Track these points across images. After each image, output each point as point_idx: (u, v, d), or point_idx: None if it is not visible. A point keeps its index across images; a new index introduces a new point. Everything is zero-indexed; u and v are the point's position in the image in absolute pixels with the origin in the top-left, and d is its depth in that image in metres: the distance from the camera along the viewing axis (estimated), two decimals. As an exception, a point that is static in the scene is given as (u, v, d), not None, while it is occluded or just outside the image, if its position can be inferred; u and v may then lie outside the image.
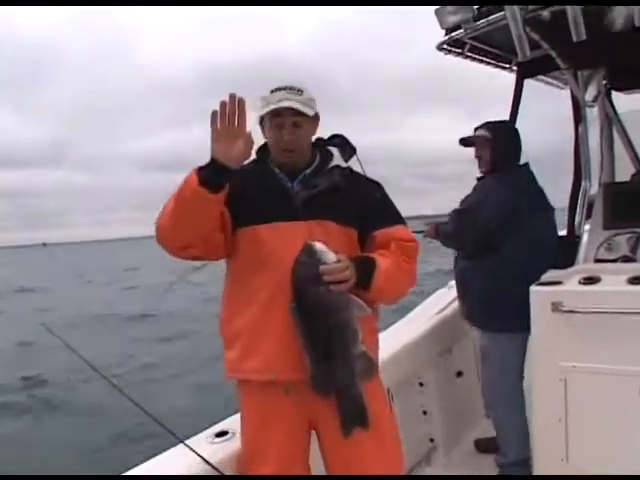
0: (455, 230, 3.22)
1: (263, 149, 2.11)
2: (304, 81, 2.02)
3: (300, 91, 1.95)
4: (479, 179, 3.26)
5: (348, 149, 2.18)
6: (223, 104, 1.74)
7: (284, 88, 1.94)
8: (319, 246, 1.79)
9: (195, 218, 1.84)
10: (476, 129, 3.27)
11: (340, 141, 2.18)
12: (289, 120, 1.94)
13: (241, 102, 1.76)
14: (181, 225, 1.87)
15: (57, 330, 2.52)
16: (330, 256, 1.78)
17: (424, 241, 3.21)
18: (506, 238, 3.04)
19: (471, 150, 3.29)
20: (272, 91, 1.94)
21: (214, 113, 1.76)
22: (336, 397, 1.85)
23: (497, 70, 4.11)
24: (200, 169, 1.79)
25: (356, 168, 2.19)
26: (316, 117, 2.04)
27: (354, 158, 2.22)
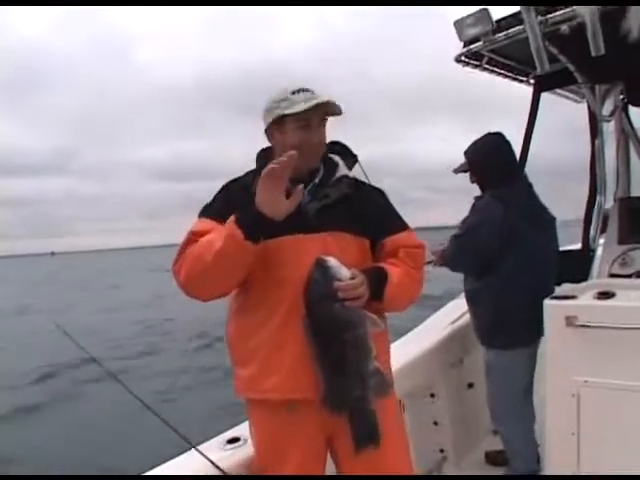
0: (455, 255, 3.23)
1: (263, 157, 2.05)
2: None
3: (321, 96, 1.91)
4: (477, 198, 3.23)
5: (349, 157, 2.14)
6: (280, 161, 1.70)
7: (305, 90, 1.90)
8: (332, 262, 1.75)
9: (236, 270, 1.85)
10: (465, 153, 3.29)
11: (341, 149, 2.14)
12: (317, 119, 1.91)
13: (293, 157, 1.70)
14: (221, 279, 1.87)
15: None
16: (344, 272, 1.75)
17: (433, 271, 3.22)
18: (505, 257, 3.04)
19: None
20: (293, 92, 1.89)
21: (271, 168, 1.71)
22: (349, 414, 1.81)
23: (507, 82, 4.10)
24: (240, 221, 1.75)
25: (357, 175, 2.16)
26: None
27: (356, 166, 2.19)
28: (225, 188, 2.03)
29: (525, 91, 4.05)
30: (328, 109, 1.92)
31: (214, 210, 1.97)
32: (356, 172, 2.17)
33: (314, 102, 1.86)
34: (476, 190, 3.25)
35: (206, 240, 1.83)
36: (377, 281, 1.86)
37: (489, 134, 3.25)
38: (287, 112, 1.88)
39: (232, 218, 1.78)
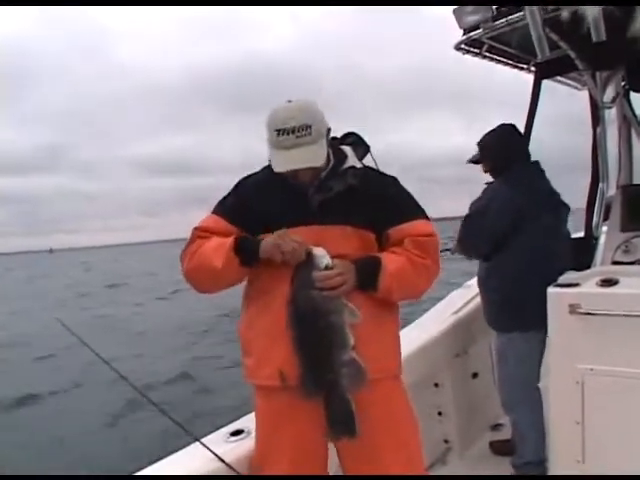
0: (464, 237, 3.24)
1: None
2: (305, 98, 1.95)
3: (309, 128, 1.85)
4: (488, 184, 3.27)
5: (362, 147, 2.14)
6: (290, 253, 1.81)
7: (292, 131, 1.83)
8: (317, 251, 1.82)
9: (233, 281, 2.01)
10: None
11: (354, 139, 2.14)
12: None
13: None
14: (219, 285, 2.03)
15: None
16: (325, 262, 1.81)
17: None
18: (514, 238, 3.05)
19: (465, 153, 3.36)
20: (279, 132, 1.85)
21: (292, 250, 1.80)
22: (324, 401, 1.85)
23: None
24: (239, 251, 1.88)
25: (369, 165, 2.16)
26: (328, 134, 1.98)
27: (368, 156, 2.18)
28: (238, 185, 2.09)
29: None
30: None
31: (224, 208, 2.06)
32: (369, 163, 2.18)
33: (290, 168, 1.89)
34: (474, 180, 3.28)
35: (208, 252, 1.93)
36: (368, 270, 1.89)
37: (502, 124, 3.30)
38: (270, 162, 1.94)
39: (232, 242, 1.89)
